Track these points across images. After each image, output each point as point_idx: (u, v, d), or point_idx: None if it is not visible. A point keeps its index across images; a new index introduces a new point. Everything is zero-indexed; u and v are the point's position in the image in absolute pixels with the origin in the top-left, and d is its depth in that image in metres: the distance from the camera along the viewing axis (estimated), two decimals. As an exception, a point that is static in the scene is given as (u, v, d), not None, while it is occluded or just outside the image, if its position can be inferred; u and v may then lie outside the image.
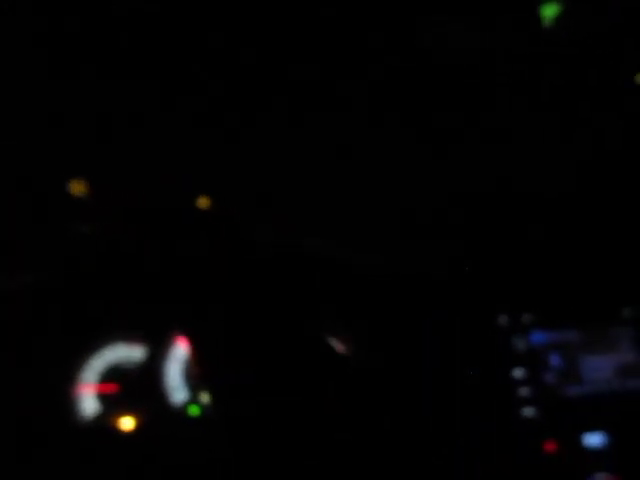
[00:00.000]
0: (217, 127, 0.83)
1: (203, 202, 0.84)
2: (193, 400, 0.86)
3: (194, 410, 0.85)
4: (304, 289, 0.86)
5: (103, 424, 0.84)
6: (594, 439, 0.81)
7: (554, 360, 0.84)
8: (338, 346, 0.87)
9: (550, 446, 0.81)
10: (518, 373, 0.84)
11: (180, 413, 0.85)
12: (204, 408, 0.85)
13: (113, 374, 0.86)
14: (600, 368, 0.84)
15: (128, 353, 0.86)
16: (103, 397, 0.85)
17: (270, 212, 0.87)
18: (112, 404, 0.85)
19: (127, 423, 0.84)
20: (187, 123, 0.82)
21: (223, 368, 0.82)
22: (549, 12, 0.77)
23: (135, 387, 0.86)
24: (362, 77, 0.79)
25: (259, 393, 0.83)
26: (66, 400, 0.83)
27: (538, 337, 0.85)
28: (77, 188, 0.83)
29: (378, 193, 0.85)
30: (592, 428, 0.81)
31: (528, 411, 0.82)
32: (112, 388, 0.85)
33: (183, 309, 0.82)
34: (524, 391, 0.83)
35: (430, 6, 0.72)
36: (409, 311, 0.85)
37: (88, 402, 0.84)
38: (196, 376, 0.86)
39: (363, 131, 0.83)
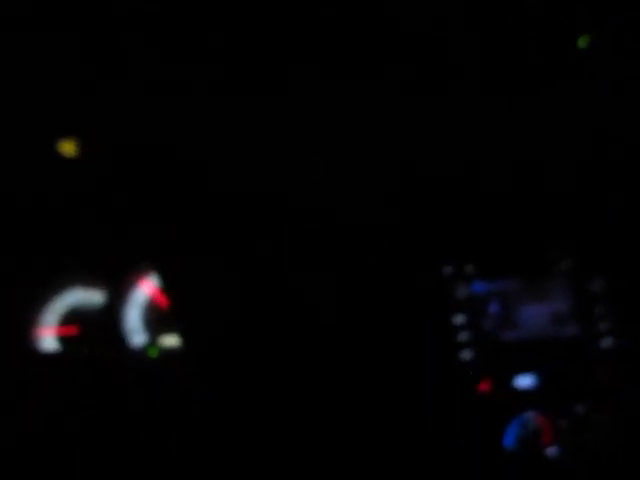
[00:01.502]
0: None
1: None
2: (152, 342, 0.89)
3: (153, 352, 0.89)
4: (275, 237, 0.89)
5: (62, 361, 0.88)
6: (525, 380, 0.87)
7: (493, 307, 0.90)
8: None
9: (484, 386, 0.87)
10: (459, 319, 0.89)
11: (139, 355, 0.89)
12: (163, 350, 0.89)
13: (73, 317, 0.89)
14: (535, 315, 0.90)
15: (88, 296, 0.89)
16: (63, 339, 0.88)
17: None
18: (72, 345, 0.88)
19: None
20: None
21: (193, 308, 0.86)
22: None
23: (95, 329, 0.89)
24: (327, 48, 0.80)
25: (229, 334, 0.87)
26: (27, 341, 0.87)
27: (479, 286, 0.90)
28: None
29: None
30: (524, 370, 0.88)
31: (466, 354, 0.88)
32: (72, 330, 0.88)
33: (153, 248, 0.85)
34: (464, 335, 0.89)
35: None
36: (367, 261, 0.90)
37: (48, 343, 0.88)
38: (156, 319, 0.89)
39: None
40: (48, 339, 0.87)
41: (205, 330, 0.88)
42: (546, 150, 0.90)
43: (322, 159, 0.89)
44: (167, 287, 0.89)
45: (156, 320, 0.89)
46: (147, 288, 0.90)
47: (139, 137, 0.89)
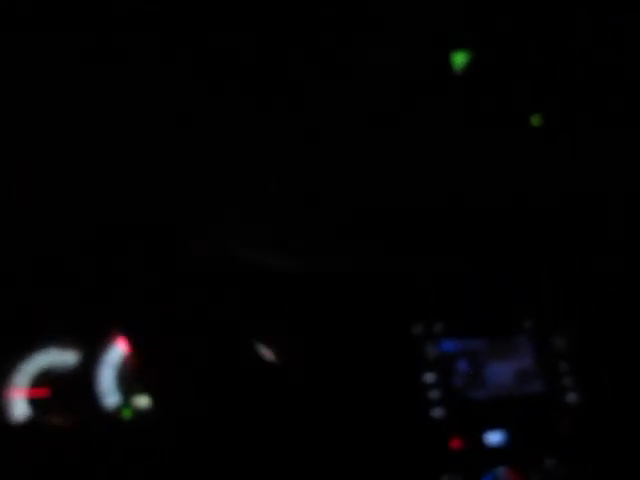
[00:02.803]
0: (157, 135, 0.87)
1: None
2: (126, 403, 0.89)
3: (127, 413, 0.88)
4: (240, 296, 0.91)
5: (34, 428, 0.86)
6: (495, 437, 0.90)
7: (462, 366, 0.93)
8: (268, 353, 0.92)
9: (456, 443, 0.89)
10: (429, 377, 0.92)
11: (113, 416, 0.88)
12: (137, 411, 0.89)
13: (45, 378, 0.88)
14: (502, 373, 0.93)
15: (60, 357, 0.89)
16: (34, 401, 0.87)
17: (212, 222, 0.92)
18: (43, 408, 0.87)
19: (57, 425, 0.86)
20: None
21: (161, 370, 0.86)
22: (459, 59, 0.86)
23: (67, 391, 0.88)
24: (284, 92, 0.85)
25: (197, 395, 0.87)
26: (-4, 404, 0.85)
27: (448, 345, 0.94)
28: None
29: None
30: (493, 427, 0.90)
31: (437, 412, 0.90)
32: (43, 392, 0.88)
33: (122, 311, 0.86)
34: (434, 394, 0.91)
35: (351, 23, 0.79)
36: (332, 318, 0.92)
37: (19, 406, 0.86)
38: (129, 380, 0.89)
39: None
40: (19, 401, 0.86)
41: (175, 392, 0.88)
42: (507, 213, 0.96)
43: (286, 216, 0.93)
44: (136, 351, 0.90)
45: (130, 380, 0.89)
46: (121, 347, 0.90)
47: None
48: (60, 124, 0.81)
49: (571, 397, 0.92)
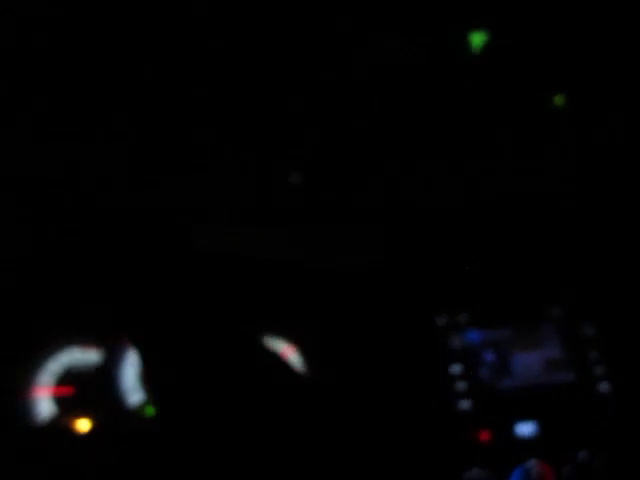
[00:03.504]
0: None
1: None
2: (148, 401, 0.88)
3: (150, 411, 0.88)
4: (248, 293, 0.90)
5: (59, 426, 0.86)
6: (525, 428, 0.87)
7: (488, 356, 0.91)
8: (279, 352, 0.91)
9: (485, 436, 0.86)
10: (455, 369, 0.90)
11: (136, 414, 0.88)
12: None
13: (69, 377, 0.88)
14: (530, 363, 0.91)
15: (84, 356, 0.89)
16: (58, 399, 0.87)
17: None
18: (68, 406, 0.87)
19: (83, 425, 0.87)
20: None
21: (166, 372, 0.86)
22: (477, 40, 0.85)
23: (91, 389, 0.88)
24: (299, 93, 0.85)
25: (201, 396, 0.86)
26: (22, 403, 0.86)
27: (473, 335, 0.91)
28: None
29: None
30: (523, 418, 0.87)
31: (464, 404, 0.88)
32: (68, 390, 0.88)
33: (129, 314, 0.85)
34: (460, 386, 0.89)
35: (368, 22, 0.78)
36: (356, 311, 0.91)
37: (44, 405, 0.87)
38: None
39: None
40: (43, 400, 0.87)
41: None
42: (532, 199, 0.94)
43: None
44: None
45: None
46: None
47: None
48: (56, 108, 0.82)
49: (603, 386, 0.89)
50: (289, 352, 0.92)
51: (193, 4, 0.81)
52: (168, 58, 0.86)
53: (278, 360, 0.88)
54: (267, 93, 0.86)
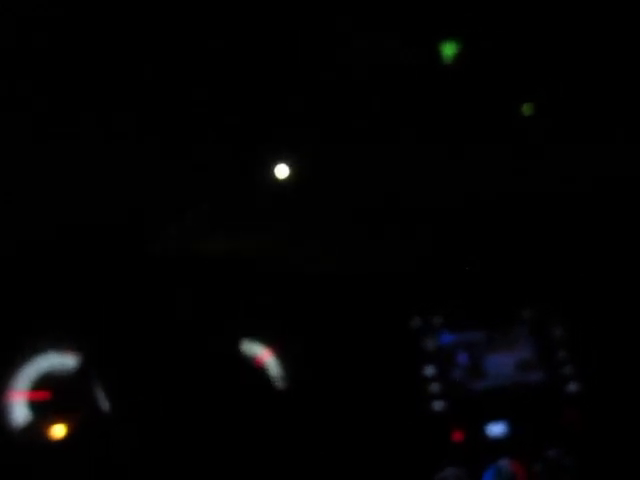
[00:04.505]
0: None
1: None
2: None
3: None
4: (226, 297, 0.91)
5: (34, 432, 0.86)
6: (497, 428, 0.89)
7: (461, 358, 0.93)
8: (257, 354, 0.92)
9: (458, 436, 0.88)
10: (429, 371, 0.91)
11: (112, 420, 0.88)
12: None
13: (45, 382, 0.88)
14: (502, 364, 0.93)
15: (60, 361, 0.89)
16: (34, 404, 0.87)
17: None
18: (44, 411, 0.87)
19: (59, 431, 0.87)
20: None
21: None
22: (448, 50, 0.87)
23: (67, 394, 0.88)
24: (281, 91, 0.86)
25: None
26: (-3, 407, 0.85)
27: (447, 337, 0.93)
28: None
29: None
30: (495, 418, 0.89)
31: (438, 405, 0.90)
32: (44, 395, 0.87)
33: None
34: (434, 387, 0.91)
35: (352, 21, 0.79)
36: (331, 314, 0.92)
37: (19, 409, 0.86)
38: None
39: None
40: (19, 405, 0.86)
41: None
42: (505, 205, 0.96)
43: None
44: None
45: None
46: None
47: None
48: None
49: (572, 386, 0.92)
50: (266, 355, 0.93)
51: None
52: (166, 57, 0.86)
53: (249, 365, 0.89)
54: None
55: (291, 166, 0.93)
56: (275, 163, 0.93)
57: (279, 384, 0.92)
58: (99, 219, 0.92)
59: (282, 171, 0.94)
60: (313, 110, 0.90)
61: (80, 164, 0.89)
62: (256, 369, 0.92)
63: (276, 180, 0.94)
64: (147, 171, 0.91)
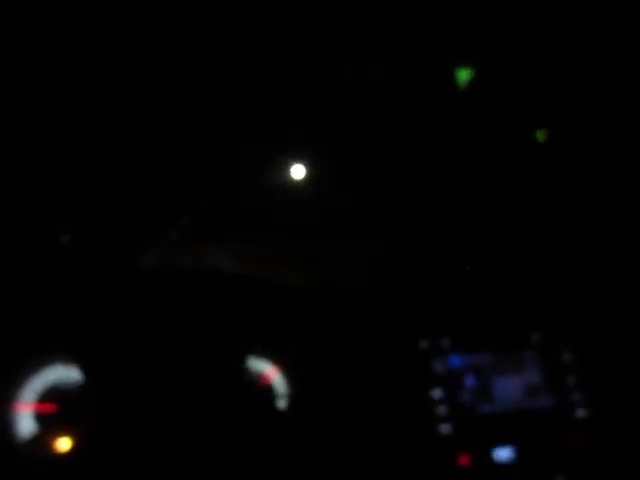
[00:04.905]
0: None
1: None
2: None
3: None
4: (234, 314, 0.91)
5: (39, 444, 0.86)
6: (504, 453, 0.89)
7: (469, 381, 0.92)
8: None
9: (464, 460, 0.88)
10: (436, 393, 0.91)
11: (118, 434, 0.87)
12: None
13: (51, 394, 0.88)
14: (510, 388, 0.93)
15: (66, 373, 0.89)
16: (40, 417, 0.87)
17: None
18: (49, 424, 0.87)
19: (64, 444, 0.86)
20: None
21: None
22: (463, 76, 0.87)
23: (73, 407, 0.88)
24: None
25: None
26: (2, 419, 0.85)
27: (455, 360, 0.93)
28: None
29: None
30: (502, 443, 0.89)
31: (445, 428, 0.89)
32: (50, 408, 0.87)
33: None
34: (441, 409, 0.90)
35: (351, 39, 0.80)
36: (339, 334, 0.92)
37: (25, 421, 0.86)
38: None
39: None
40: (25, 416, 0.86)
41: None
42: (517, 229, 0.96)
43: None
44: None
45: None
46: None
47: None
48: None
49: (580, 412, 0.91)
50: (273, 373, 0.92)
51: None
52: (166, 57, 0.86)
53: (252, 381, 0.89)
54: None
55: (305, 179, 0.94)
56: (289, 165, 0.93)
57: (285, 402, 0.91)
58: (104, 234, 0.92)
59: (298, 171, 0.94)
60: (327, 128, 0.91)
61: (80, 172, 0.89)
62: (262, 386, 0.92)
63: (292, 180, 0.94)
64: (147, 181, 0.92)
